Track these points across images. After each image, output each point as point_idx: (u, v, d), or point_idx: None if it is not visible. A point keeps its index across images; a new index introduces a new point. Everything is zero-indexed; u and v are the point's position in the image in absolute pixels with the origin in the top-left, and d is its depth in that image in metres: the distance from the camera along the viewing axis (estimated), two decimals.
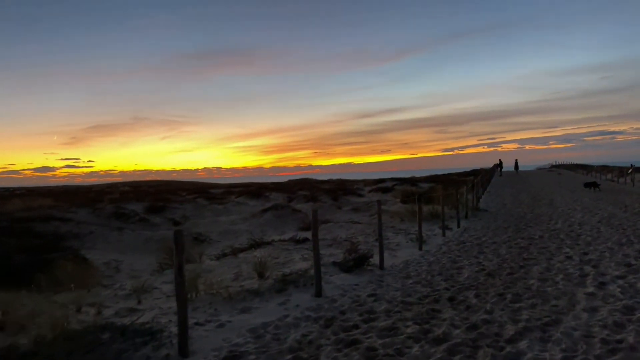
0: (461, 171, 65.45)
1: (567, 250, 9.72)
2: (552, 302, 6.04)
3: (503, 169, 54.37)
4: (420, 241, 11.13)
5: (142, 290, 7.27)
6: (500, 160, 52.47)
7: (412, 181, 40.77)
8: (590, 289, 6.56)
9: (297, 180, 71.25)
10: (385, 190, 33.75)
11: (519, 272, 7.93)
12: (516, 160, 54.28)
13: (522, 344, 4.64)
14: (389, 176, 55.58)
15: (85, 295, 6.97)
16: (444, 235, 12.87)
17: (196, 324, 5.53)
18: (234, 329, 5.46)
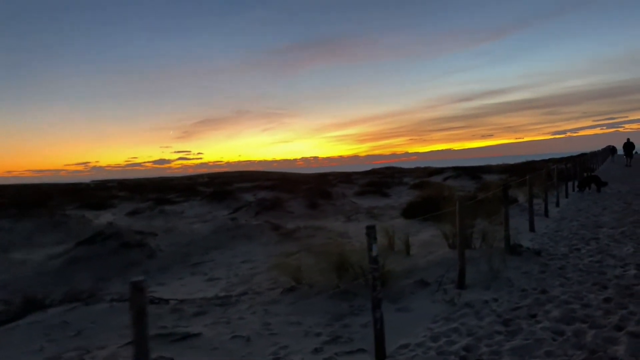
0: (568, 155, 52.34)
1: None
2: None
3: (616, 155, 39.34)
4: None
5: None
6: (629, 140, 33.04)
7: (477, 172, 29.49)
8: None
9: (381, 168, 62.57)
10: (423, 187, 23.39)
11: None
12: (628, 140, 33.20)
13: None
14: (493, 162, 45.27)
15: None
16: None
17: None
18: None
